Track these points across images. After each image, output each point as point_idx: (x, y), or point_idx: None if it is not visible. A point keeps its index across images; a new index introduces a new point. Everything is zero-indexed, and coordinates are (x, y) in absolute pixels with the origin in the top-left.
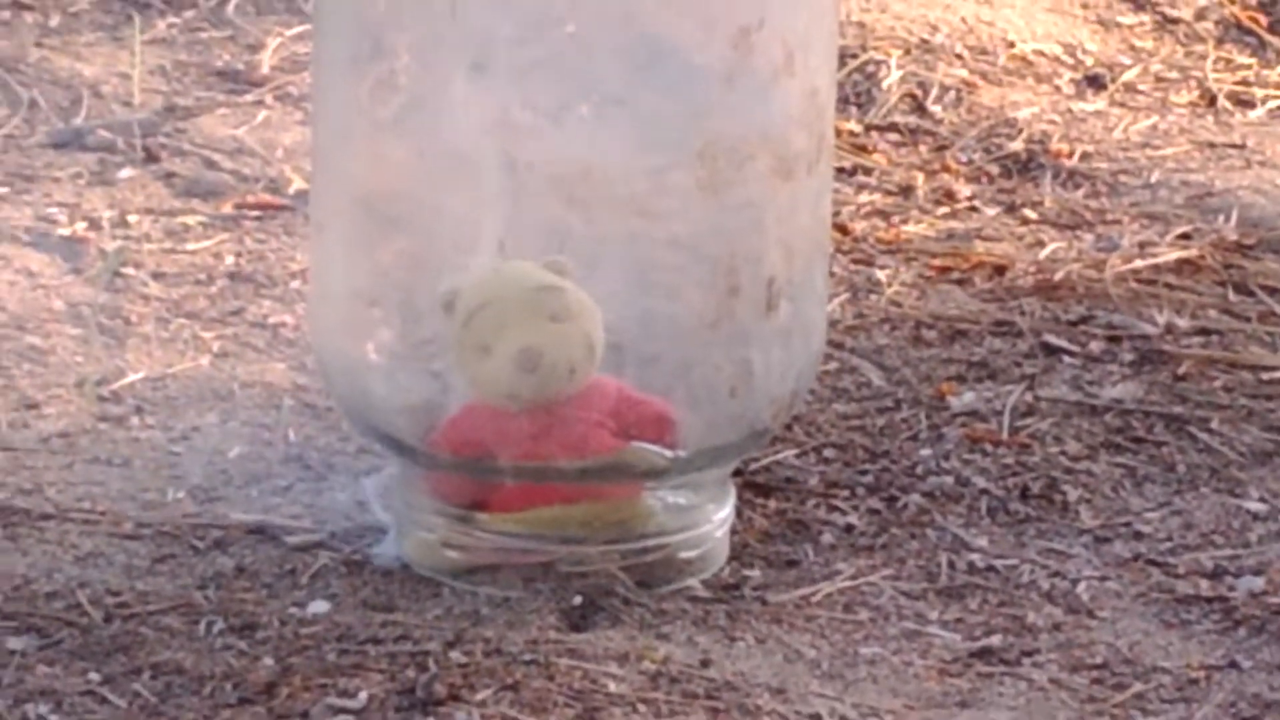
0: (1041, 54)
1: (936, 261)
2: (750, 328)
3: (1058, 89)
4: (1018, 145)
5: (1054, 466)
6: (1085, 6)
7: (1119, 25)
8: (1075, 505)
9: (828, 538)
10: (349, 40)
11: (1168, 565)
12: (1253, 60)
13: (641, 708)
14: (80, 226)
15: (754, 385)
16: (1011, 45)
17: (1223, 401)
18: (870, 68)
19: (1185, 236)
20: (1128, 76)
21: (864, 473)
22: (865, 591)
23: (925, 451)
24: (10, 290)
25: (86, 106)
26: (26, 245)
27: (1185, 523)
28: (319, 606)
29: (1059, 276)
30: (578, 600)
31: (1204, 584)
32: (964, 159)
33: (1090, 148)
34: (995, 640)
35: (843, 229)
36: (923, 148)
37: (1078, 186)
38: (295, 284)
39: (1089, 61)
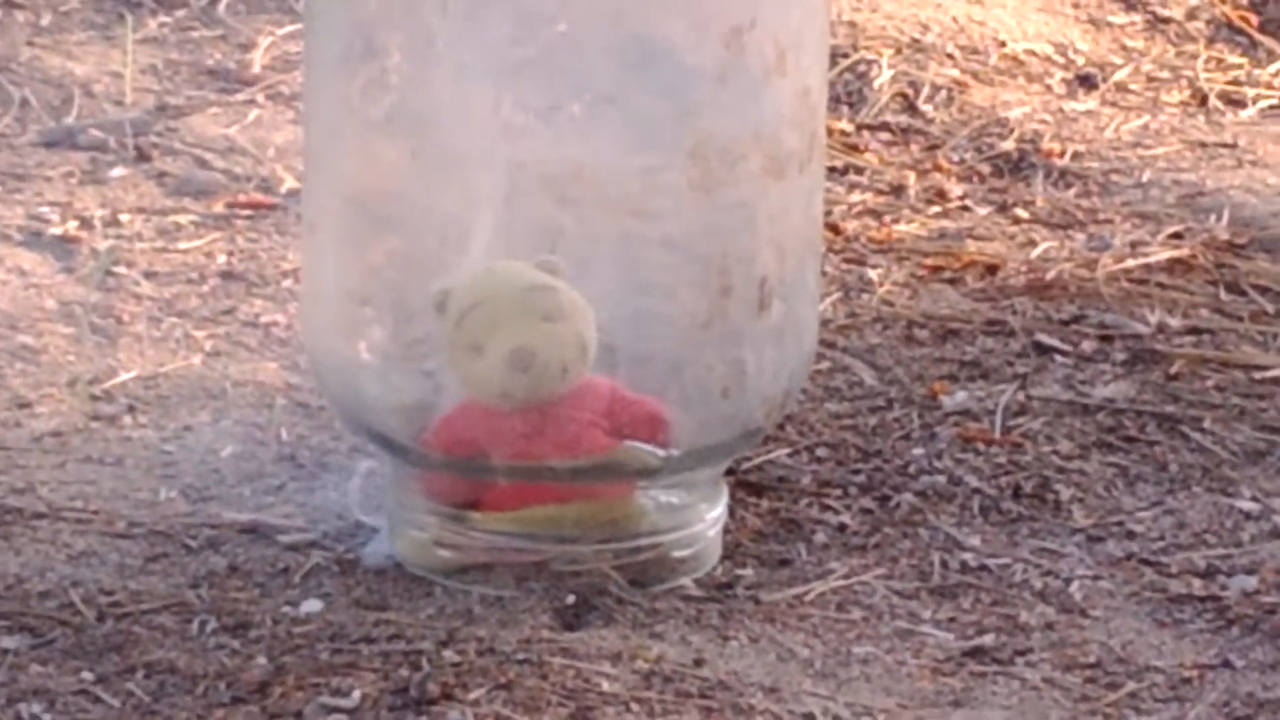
0: (1033, 53)
1: (928, 261)
2: (742, 327)
3: (1049, 88)
4: (1009, 145)
5: (1046, 466)
6: (1076, 6)
7: (1110, 25)
8: (1068, 504)
9: (820, 537)
10: (340, 39)
11: (1160, 564)
12: (1244, 60)
13: (635, 707)
14: (72, 225)
15: (746, 385)
16: (1003, 45)
17: (1215, 401)
18: (862, 67)
19: (1177, 236)
20: (1119, 76)
21: (856, 472)
22: (858, 591)
23: (918, 451)
24: (2, 289)
25: (78, 105)
26: (18, 244)
27: (1178, 522)
28: (312, 605)
29: (1051, 276)
30: (571, 599)
31: (1197, 583)
32: (955, 158)
33: (1082, 147)
34: (988, 639)
35: (834, 228)
36: (914, 147)
37: (1069, 186)
38: (287, 283)
39: (1080, 61)
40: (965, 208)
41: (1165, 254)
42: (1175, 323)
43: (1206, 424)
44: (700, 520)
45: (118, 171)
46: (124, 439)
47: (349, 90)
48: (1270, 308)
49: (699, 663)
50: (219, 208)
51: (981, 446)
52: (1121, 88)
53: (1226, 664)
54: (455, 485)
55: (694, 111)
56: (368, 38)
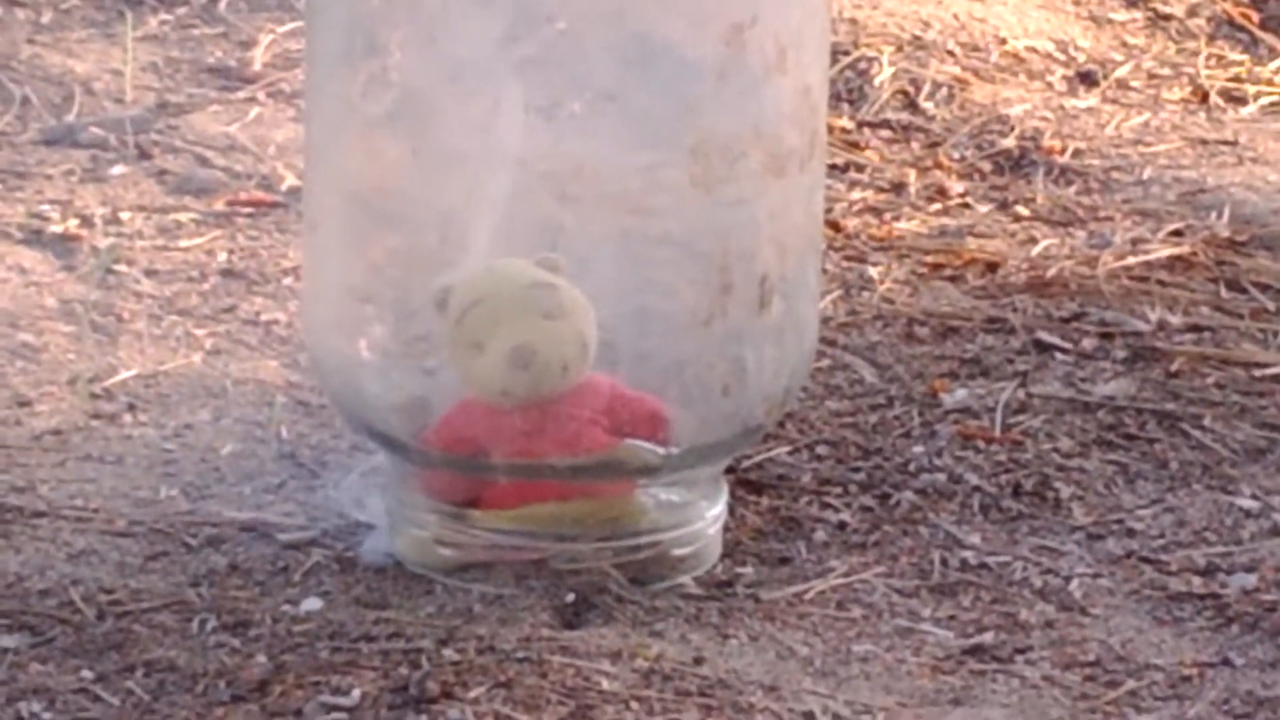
0: (1034, 50)
1: (929, 258)
2: (743, 325)
3: (1050, 85)
4: (1010, 142)
5: (1046, 463)
6: (1077, 3)
7: (1111, 22)
8: (1068, 502)
9: (820, 535)
10: (342, 37)
11: (1160, 562)
12: (1245, 57)
13: (634, 705)
14: (73, 223)
15: (747, 382)
16: (1003, 42)
17: (1215, 398)
18: (862, 64)
19: (1177, 233)
20: (1120, 73)
21: (857, 470)
22: (858, 589)
23: (918, 448)
24: (2, 287)
25: (79, 103)
26: (19, 242)
27: (1178, 520)
28: (312, 604)
29: (1051, 273)
30: (571, 598)
31: (1196, 581)
32: (956, 156)
33: (1082, 144)
34: (988, 637)
35: (835, 226)
36: (915, 144)
37: (1070, 183)
38: (288, 281)
39: (1081, 58)
40: (966, 205)
41: (1166, 251)
42: (1176, 320)
43: (1207, 422)
44: (700, 518)
45: (118, 169)
46: (124, 437)
47: (350, 88)
48: (1271, 305)
49: (699, 661)
50: (220, 206)
51: (982, 444)
52: (1122, 85)
53: (1226, 662)
54: (455, 483)
55: (695, 109)
56: (369, 35)
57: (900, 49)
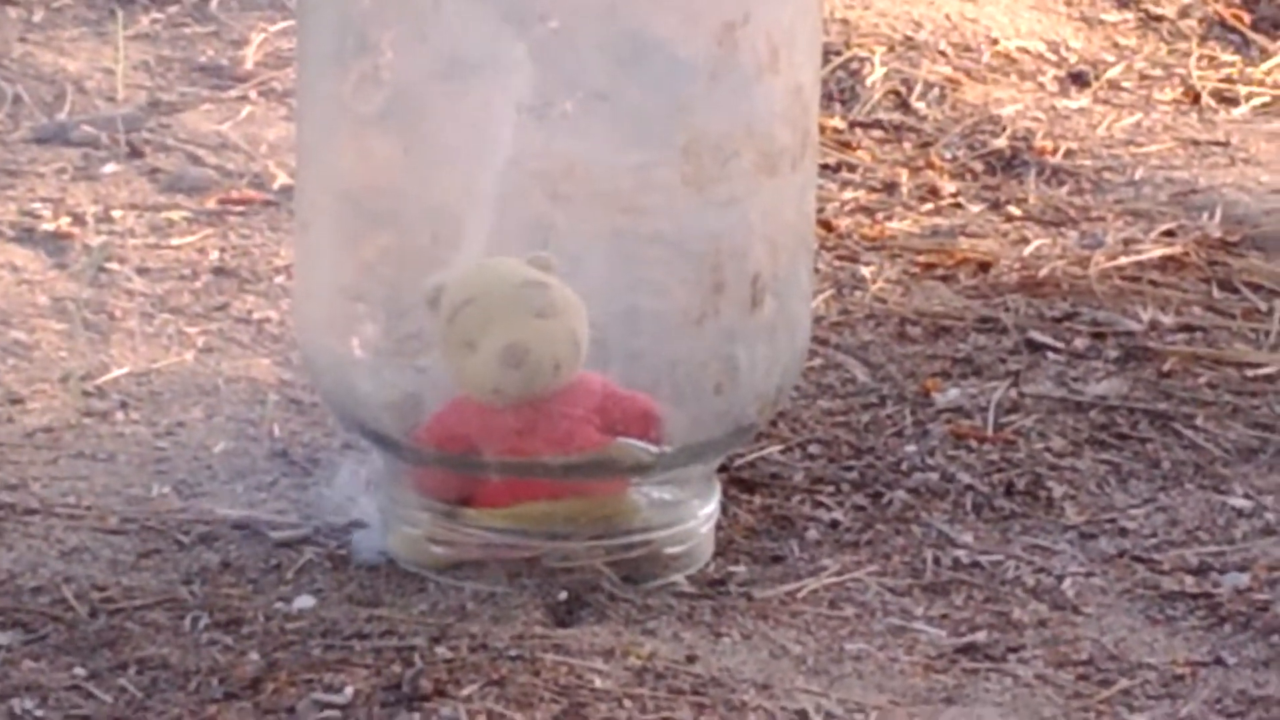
0: (1025, 51)
1: (921, 258)
2: (735, 324)
3: (1042, 86)
4: (1002, 142)
5: (1039, 463)
6: (1069, 4)
7: (1103, 22)
8: (1060, 501)
9: (813, 534)
10: (333, 36)
11: (1153, 561)
12: (1236, 58)
13: (627, 703)
14: (65, 222)
15: (739, 381)
16: (995, 42)
17: (1207, 398)
18: (854, 64)
19: (1169, 233)
20: (1112, 74)
21: (849, 469)
22: (850, 587)
23: (910, 448)
24: None
25: (70, 102)
26: (11, 240)
27: (1170, 519)
28: (304, 601)
29: (1043, 273)
30: (563, 596)
31: (1189, 580)
32: (948, 156)
33: (1074, 145)
34: (980, 636)
35: (827, 225)
36: (907, 144)
37: (1062, 183)
38: (280, 279)
39: (1073, 59)
40: (958, 205)
41: (1158, 251)
42: (1168, 320)
43: (1199, 421)
44: (693, 517)
45: (110, 168)
46: (116, 435)
47: (342, 86)
48: (1263, 305)
49: (691, 659)
50: (211, 204)
51: (974, 443)
52: (1114, 85)
53: (1219, 661)
54: (448, 481)
55: (686, 108)
56: (360, 34)
57: (892, 49)
